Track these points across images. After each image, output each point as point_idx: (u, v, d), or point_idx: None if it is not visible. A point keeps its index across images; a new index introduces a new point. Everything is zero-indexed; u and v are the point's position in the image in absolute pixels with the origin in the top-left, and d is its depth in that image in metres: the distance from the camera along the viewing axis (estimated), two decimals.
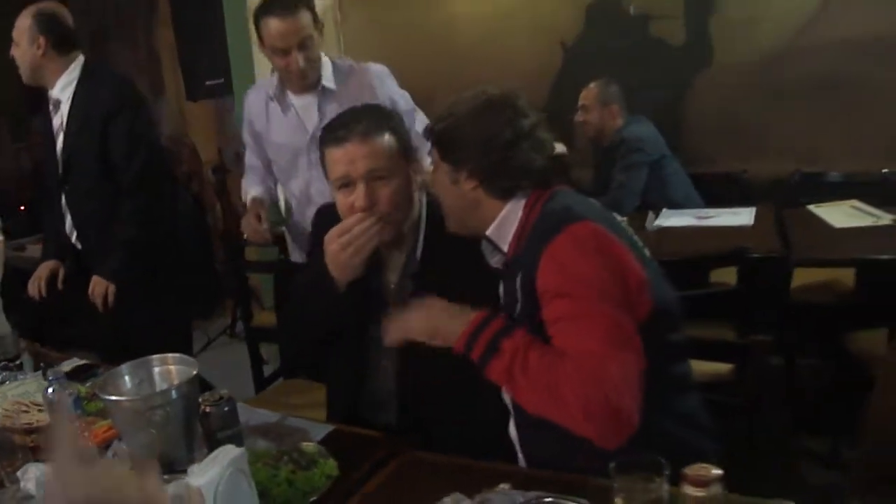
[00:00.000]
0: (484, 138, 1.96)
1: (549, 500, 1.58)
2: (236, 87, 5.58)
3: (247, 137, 3.56)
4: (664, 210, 4.29)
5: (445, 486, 1.64)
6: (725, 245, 3.42)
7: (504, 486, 1.64)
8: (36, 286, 3.70)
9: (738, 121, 4.81)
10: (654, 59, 4.93)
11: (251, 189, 3.54)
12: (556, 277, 1.81)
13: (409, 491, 1.75)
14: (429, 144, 2.15)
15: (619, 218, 2.07)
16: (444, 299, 2.05)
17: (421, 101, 3.54)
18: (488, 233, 2.03)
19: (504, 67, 5.09)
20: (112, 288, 3.51)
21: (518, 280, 1.91)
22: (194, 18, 5.99)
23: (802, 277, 4.04)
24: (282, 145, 3.41)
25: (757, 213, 4.16)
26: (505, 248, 2.02)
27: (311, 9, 3.22)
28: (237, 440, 1.82)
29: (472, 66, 5.18)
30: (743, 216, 4.13)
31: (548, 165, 2.01)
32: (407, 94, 3.50)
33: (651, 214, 4.19)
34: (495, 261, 2.07)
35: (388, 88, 3.42)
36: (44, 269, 3.74)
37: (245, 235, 3.48)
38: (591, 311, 1.76)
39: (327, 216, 2.36)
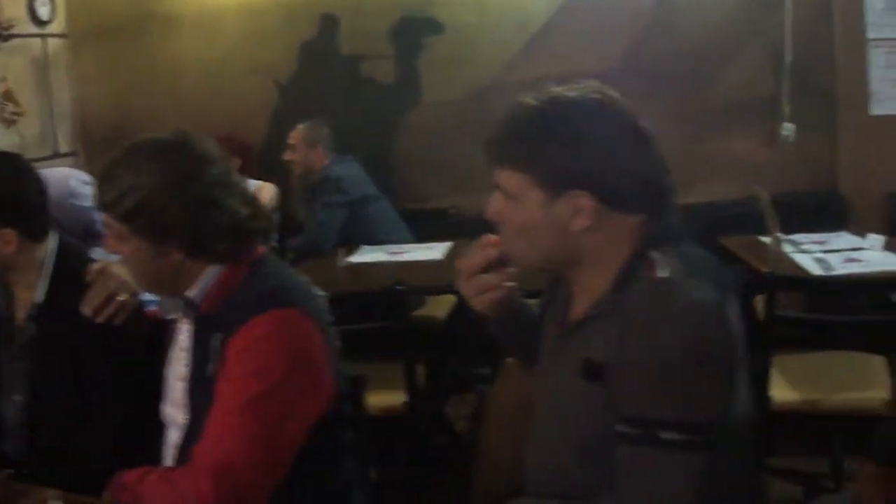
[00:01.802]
0: (185, 208, 1.79)
1: None
2: None
3: None
4: (362, 247, 4.33)
5: None
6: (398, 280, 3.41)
7: None
8: None
9: (448, 157, 4.90)
10: (366, 98, 5.00)
11: None
12: (241, 356, 1.77)
13: None
14: None
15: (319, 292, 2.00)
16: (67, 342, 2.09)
17: None
18: (190, 294, 1.88)
19: (225, 106, 5.10)
20: None
21: (217, 341, 1.83)
22: None
23: None
24: None
25: (453, 247, 4.22)
26: (199, 303, 1.90)
27: None
28: None
29: (196, 105, 5.14)
30: (435, 251, 4.20)
31: (251, 213, 1.89)
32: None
33: (342, 251, 4.22)
34: (176, 313, 1.96)
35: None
36: None
37: None
38: (251, 400, 1.74)
39: None
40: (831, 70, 5.11)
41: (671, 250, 1.57)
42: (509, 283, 1.73)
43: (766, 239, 4.03)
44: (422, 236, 4.58)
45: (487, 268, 1.71)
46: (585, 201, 1.53)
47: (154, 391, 2.07)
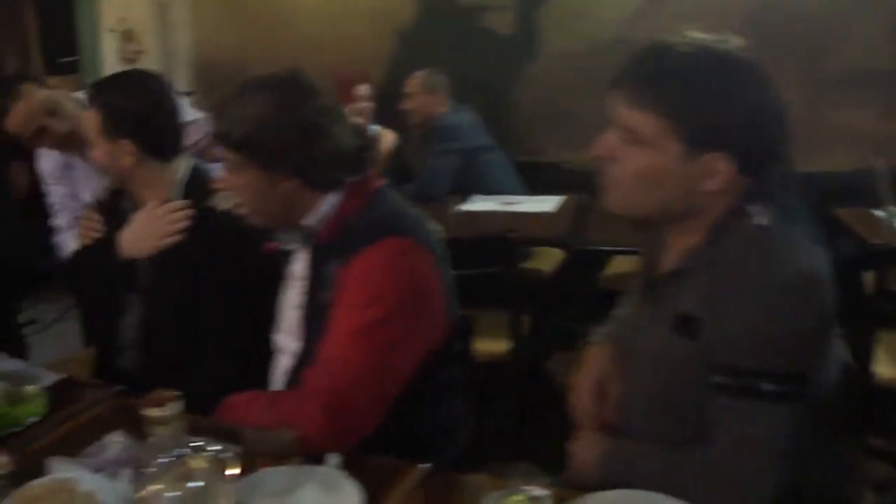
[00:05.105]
0: (294, 134, 1.82)
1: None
2: (86, 66, 5.58)
3: None
4: (474, 195, 4.32)
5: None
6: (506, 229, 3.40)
7: None
8: None
9: (565, 110, 4.86)
10: (485, 49, 4.97)
11: None
12: (357, 284, 1.80)
13: (93, 432, 1.79)
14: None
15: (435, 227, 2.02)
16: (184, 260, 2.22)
17: None
18: (306, 222, 1.92)
19: (342, 54, 5.14)
20: None
21: (332, 269, 1.87)
22: None
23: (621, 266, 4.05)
24: None
25: (565, 201, 4.18)
26: (316, 231, 1.93)
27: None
28: None
29: (312, 52, 5.17)
30: (547, 204, 4.18)
31: (362, 145, 1.93)
32: None
33: (453, 199, 4.20)
34: (295, 244, 2.00)
35: None
36: None
37: None
38: (365, 327, 1.77)
39: None
40: None
41: (770, 206, 1.51)
42: None
43: (879, 212, 3.86)
44: (534, 189, 4.55)
45: None
46: (724, 165, 1.46)
47: (266, 319, 2.11)
